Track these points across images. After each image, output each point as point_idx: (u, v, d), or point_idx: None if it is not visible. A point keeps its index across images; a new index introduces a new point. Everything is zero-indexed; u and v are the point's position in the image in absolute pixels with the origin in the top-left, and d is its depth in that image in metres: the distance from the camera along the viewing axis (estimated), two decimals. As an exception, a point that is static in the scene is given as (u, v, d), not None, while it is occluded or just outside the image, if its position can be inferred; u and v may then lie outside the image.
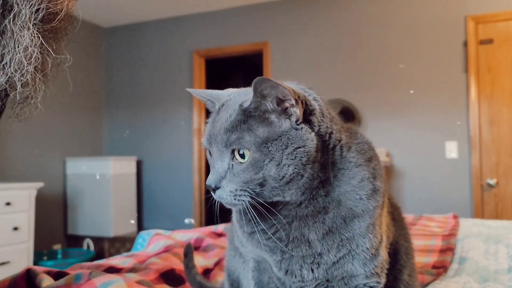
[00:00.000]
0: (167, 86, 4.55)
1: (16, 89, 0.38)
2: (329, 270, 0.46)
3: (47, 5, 0.36)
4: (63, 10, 0.40)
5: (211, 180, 0.47)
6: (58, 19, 0.39)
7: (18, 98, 0.40)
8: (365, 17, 3.86)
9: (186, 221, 4.30)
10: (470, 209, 3.42)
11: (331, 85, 3.85)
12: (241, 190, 0.44)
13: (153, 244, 1.46)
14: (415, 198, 3.60)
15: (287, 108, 0.46)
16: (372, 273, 0.47)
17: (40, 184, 3.47)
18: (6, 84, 0.36)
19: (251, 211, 0.45)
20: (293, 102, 0.45)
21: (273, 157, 0.43)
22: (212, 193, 0.47)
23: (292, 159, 0.43)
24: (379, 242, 0.47)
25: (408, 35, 3.70)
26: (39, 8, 0.36)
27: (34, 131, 4.03)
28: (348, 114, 3.72)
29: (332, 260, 0.45)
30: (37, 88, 0.42)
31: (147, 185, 4.63)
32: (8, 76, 0.36)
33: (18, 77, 0.36)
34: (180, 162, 4.46)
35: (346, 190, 0.47)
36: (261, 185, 0.44)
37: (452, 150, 3.53)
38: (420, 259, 1.16)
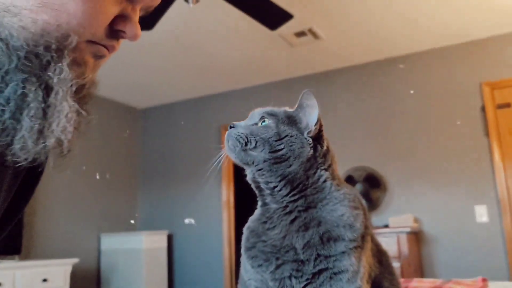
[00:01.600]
0: (197, 161, 4.76)
1: (62, 146, 0.51)
2: (311, 285, 0.52)
3: (77, 81, 0.50)
4: (89, 81, 0.54)
5: (234, 123, 0.61)
6: (86, 88, 0.54)
7: (64, 152, 0.53)
8: (386, 87, 4.03)
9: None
10: (507, 273, 3.29)
11: (355, 152, 3.94)
12: (244, 134, 0.57)
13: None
14: (447, 264, 3.50)
15: (302, 124, 0.60)
16: None
17: (75, 260, 3.59)
18: (55, 143, 0.49)
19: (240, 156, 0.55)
20: (312, 119, 0.59)
21: (278, 132, 0.55)
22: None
23: (290, 145, 0.55)
24: (356, 271, 0.53)
25: (428, 102, 3.82)
26: (72, 83, 0.49)
27: (71, 209, 4.24)
28: (373, 181, 3.76)
29: (311, 270, 0.51)
30: (75, 142, 0.56)
31: (178, 258, 4.68)
32: (56, 137, 0.49)
33: (63, 137, 0.49)
34: (210, 235, 4.53)
35: (326, 217, 0.55)
36: (259, 144, 0.55)
37: (482, 214, 3.48)
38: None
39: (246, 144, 0.57)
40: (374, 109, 4.03)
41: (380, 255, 0.61)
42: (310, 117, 0.60)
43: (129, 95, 4.85)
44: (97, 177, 4.58)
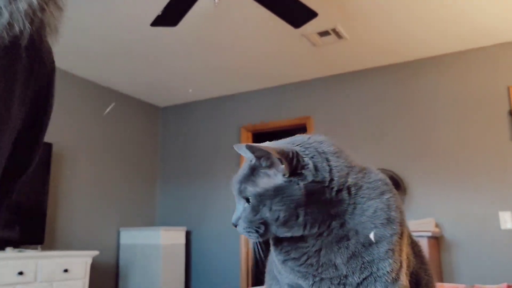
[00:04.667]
0: (216, 159, 4.78)
1: (39, 17, 0.50)
2: None
3: None
4: None
5: (233, 219, 0.59)
6: None
7: (48, 29, 0.52)
8: (408, 89, 3.98)
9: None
10: (532, 284, 3.19)
11: (374, 155, 3.90)
12: (248, 228, 0.55)
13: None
14: (468, 271, 3.42)
15: (274, 165, 0.56)
16: None
17: (95, 253, 3.64)
18: (27, 5, 0.48)
19: (259, 247, 0.54)
20: (276, 161, 0.55)
21: (265, 204, 0.53)
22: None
23: (281, 205, 0.52)
24: (399, 267, 0.51)
25: (453, 106, 3.75)
26: None
27: (93, 203, 4.31)
28: (393, 184, 3.70)
29: (356, 281, 0.50)
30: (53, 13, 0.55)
31: (196, 254, 4.71)
32: (27, 1, 0.48)
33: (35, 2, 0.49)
34: (227, 232, 4.54)
35: (361, 220, 0.54)
36: (264, 224, 0.53)
37: (507, 220, 3.39)
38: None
39: (258, 232, 0.56)
40: (396, 111, 3.98)
41: (413, 245, 0.60)
42: (269, 161, 0.59)
43: (152, 93, 4.91)
44: (118, 173, 4.65)
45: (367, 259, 0.51)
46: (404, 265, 0.54)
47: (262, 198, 0.55)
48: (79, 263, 3.49)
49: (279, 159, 0.57)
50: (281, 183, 0.55)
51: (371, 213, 0.54)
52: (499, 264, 3.34)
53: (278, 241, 0.57)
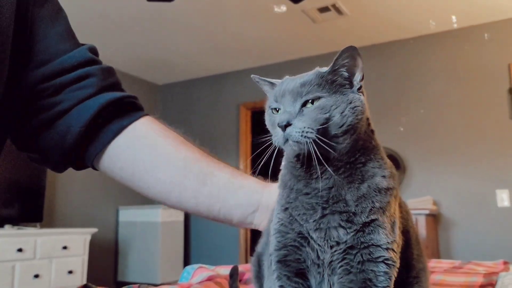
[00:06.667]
0: (215, 136, 4.76)
1: None
2: (359, 233, 0.50)
3: None
4: None
5: (283, 118, 0.52)
6: None
7: None
8: (409, 66, 3.94)
9: None
10: (527, 261, 3.23)
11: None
12: (308, 127, 0.51)
13: (197, 276, 1.53)
14: (465, 248, 3.45)
15: (354, 78, 0.56)
16: (390, 247, 0.51)
17: (94, 230, 3.66)
18: None
19: (314, 149, 0.52)
20: (361, 76, 0.56)
21: (338, 106, 0.52)
22: (281, 131, 0.52)
23: (352, 113, 0.52)
24: (394, 221, 0.52)
25: (453, 83, 3.72)
26: None
27: (91, 182, 4.31)
28: (393, 162, 3.70)
29: (363, 220, 0.50)
30: None
31: (194, 232, 4.74)
32: None
33: None
34: (226, 211, 4.56)
35: (375, 168, 0.54)
36: (325, 130, 0.52)
37: (503, 198, 3.41)
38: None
39: (316, 137, 0.51)
40: (396, 89, 3.95)
41: (400, 206, 0.60)
42: (358, 75, 0.58)
43: (150, 71, 4.85)
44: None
45: (376, 205, 0.51)
46: (397, 221, 0.54)
47: (336, 100, 0.53)
48: (78, 240, 3.51)
49: (362, 75, 0.57)
50: (354, 94, 0.55)
51: (383, 166, 0.55)
52: (496, 241, 3.36)
53: (293, 176, 0.57)
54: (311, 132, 0.51)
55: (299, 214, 0.53)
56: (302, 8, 3.40)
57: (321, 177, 0.53)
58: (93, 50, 0.70)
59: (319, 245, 0.52)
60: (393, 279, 0.52)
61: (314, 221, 0.52)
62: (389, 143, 3.78)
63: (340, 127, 0.51)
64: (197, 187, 0.68)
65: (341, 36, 3.95)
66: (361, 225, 0.50)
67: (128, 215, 4.47)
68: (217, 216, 0.69)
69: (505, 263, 2.00)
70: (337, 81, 0.56)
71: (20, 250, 3.07)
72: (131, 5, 3.38)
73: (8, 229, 3.20)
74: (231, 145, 4.61)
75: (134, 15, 3.54)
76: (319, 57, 4.34)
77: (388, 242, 0.51)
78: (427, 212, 3.33)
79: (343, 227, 0.50)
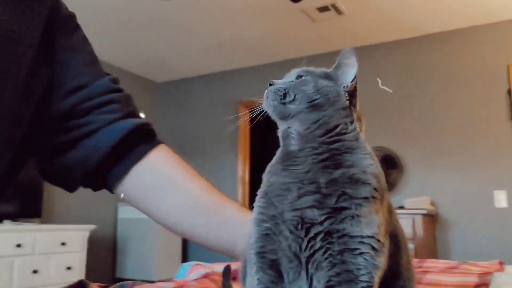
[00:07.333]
0: (213, 136, 4.77)
1: None
2: (331, 219, 0.51)
3: None
4: None
5: (273, 81, 0.62)
6: None
7: None
8: (408, 66, 3.95)
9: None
10: (523, 261, 3.25)
11: (372, 132, 3.89)
12: (283, 89, 0.59)
13: (193, 273, 1.54)
14: (462, 248, 3.47)
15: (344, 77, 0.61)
16: (367, 242, 0.51)
17: (92, 227, 3.67)
18: None
19: (277, 109, 0.59)
20: (354, 82, 0.61)
21: (315, 85, 0.58)
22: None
23: (325, 94, 0.57)
24: (373, 219, 0.52)
25: (452, 84, 3.73)
26: None
27: (91, 177, 4.32)
28: (390, 162, 3.72)
29: (333, 204, 0.51)
30: None
31: (192, 231, 4.75)
32: None
33: None
34: (224, 209, 4.57)
35: (356, 161, 0.56)
36: (296, 98, 0.58)
37: (501, 199, 3.42)
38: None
39: (284, 97, 0.58)
40: (394, 89, 3.96)
41: (389, 207, 0.60)
42: (347, 75, 0.61)
43: (149, 68, 4.86)
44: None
45: (348, 191, 0.51)
46: (379, 219, 0.54)
47: (321, 85, 0.59)
48: (76, 236, 3.52)
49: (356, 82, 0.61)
50: (338, 88, 0.59)
51: (368, 163, 0.56)
52: (493, 241, 3.38)
53: (276, 160, 0.59)
54: (280, 94, 0.57)
55: (275, 196, 0.55)
56: (301, 8, 3.41)
57: (298, 158, 0.55)
58: (116, 80, 0.74)
59: (290, 231, 0.52)
60: (376, 280, 0.52)
61: (289, 202, 0.53)
62: (387, 143, 3.79)
63: (309, 102, 0.56)
64: (209, 216, 0.71)
65: (340, 35, 3.96)
66: (332, 209, 0.51)
67: (127, 212, 4.48)
68: (224, 245, 0.74)
69: (501, 263, 2.02)
70: (328, 74, 0.61)
71: (19, 245, 3.08)
72: (129, 2, 3.39)
73: (7, 224, 3.22)
74: (230, 143, 4.62)
75: (132, 12, 3.55)
76: (318, 56, 4.35)
77: (363, 236, 0.51)
78: (424, 212, 3.35)
79: (316, 207, 0.52)
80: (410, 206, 3.49)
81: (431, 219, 3.56)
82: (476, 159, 3.54)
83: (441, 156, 3.67)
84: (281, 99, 0.59)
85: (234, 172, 4.61)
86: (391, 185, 3.73)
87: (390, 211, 0.60)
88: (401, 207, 3.54)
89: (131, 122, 0.71)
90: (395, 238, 0.59)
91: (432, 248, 3.48)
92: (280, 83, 0.61)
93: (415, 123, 3.82)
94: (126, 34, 3.97)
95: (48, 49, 0.66)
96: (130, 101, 0.76)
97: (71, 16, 0.74)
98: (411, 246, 3.25)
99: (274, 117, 0.62)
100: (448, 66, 3.77)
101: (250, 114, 0.67)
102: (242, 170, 4.58)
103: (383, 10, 3.48)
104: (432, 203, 3.59)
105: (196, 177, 0.78)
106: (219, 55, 4.48)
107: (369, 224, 0.51)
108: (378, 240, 0.51)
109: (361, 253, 0.52)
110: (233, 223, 0.74)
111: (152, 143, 0.76)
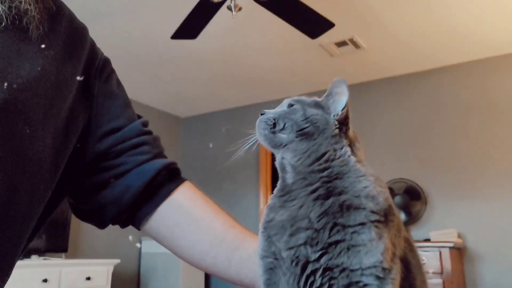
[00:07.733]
0: (237, 169, 4.81)
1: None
2: (327, 255, 0.49)
3: None
4: None
5: (264, 110, 0.65)
6: None
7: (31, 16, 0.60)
8: (430, 98, 3.94)
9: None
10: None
11: (395, 164, 3.86)
12: (272, 118, 0.61)
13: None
14: (492, 283, 3.34)
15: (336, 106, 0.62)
16: (370, 273, 0.49)
17: (117, 261, 3.71)
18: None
19: (266, 135, 0.61)
20: (344, 110, 0.60)
21: (304, 113, 0.59)
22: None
23: (314, 122, 0.58)
24: (375, 246, 0.49)
25: (473, 113, 3.70)
26: None
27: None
28: (413, 194, 3.67)
29: (326, 239, 0.49)
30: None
31: (215, 265, 4.72)
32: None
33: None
34: (247, 243, 4.55)
35: (348, 187, 0.56)
36: (286, 126, 0.59)
37: (531, 231, 3.31)
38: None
39: (274, 127, 0.60)
40: (415, 120, 3.95)
41: (411, 254, 0.58)
42: (338, 104, 0.62)
43: (173, 104, 5.00)
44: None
45: (339, 221, 0.50)
46: (383, 246, 0.52)
47: (310, 113, 0.60)
48: (101, 271, 3.56)
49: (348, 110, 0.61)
50: (327, 116, 0.60)
51: (362, 186, 0.54)
52: (525, 276, 3.25)
53: (274, 194, 0.60)
54: (269, 124, 0.59)
55: (273, 234, 0.55)
56: (319, 43, 3.48)
57: (293, 191, 0.56)
58: (146, 123, 0.80)
59: (287, 268, 0.52)
60: None
61: (284, 241, 0.53)
62: (410, 175, 3.75)
63: (299, 130, 0.57)
64: (230, 251, 0.73)
65: (359, 68, 4.01)
66: (327, 244, 0.50)
67: (151, 246, 4.51)
68: (243, 280, 0.75)
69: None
70: (319, 103, 0.63)
71: (45, 280, 3.13)
72: (155, 42, 3.54)
73: (34, 259, 3.29)
74: (252, 176, 4.65)
75: (157, 51, 3.70)
76: (338, 89, 4.39)
77: (363, 268, 0.49)
78: (451, 245, 3.26)
79: (309, 244, 0.52)
80: (437, 238, 3.41)
81: (459, 252, 3.46)
82: (504, 190, 3.45)
83: (466, 187, 3.60)
84: (271, 128, 0.61)
85: (256, 205, 4.62)
86: (415, 217, 3.66)
87: (399, 229, 0.58)
88: (427, 240, 3.46)
89: (159, 162, 0.76)
90: (407, 265, 0.57)
91: (461, 282, 3.37)
92: (270, 112, 0.64)
93: (437, 154, 3.77)
94: (151, 72, 4.12)
95: (86, 95, 0.71)
96: (158, 143, 0.81)
97: (107, 61, 0.79)
98: (438, 281, 3.15)
99: (266, 146, 0.64)
100: (472, 97, 3.75)
101: (245, 144, 0.70)
102: (264, 202, 4.58)
103: (402, 42, 3.52)
104: (459, 236, 3.50)
105: (219, 212, 0.81)
106: (241, 90, 4.58)
107: (369, 253, 0.49)
108: (383, 268, 0.49)
109: (365, 285, 0.50)
110: (254, 258, 0.77)
111: (177, 182, 0.80)
